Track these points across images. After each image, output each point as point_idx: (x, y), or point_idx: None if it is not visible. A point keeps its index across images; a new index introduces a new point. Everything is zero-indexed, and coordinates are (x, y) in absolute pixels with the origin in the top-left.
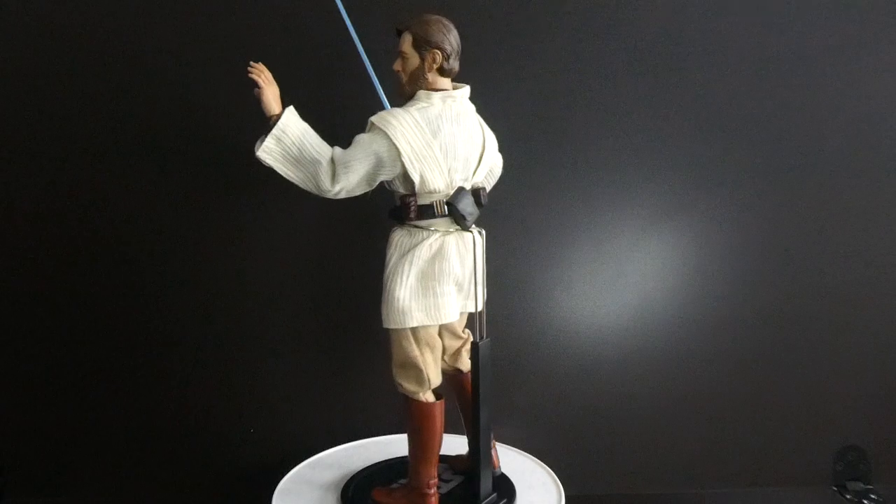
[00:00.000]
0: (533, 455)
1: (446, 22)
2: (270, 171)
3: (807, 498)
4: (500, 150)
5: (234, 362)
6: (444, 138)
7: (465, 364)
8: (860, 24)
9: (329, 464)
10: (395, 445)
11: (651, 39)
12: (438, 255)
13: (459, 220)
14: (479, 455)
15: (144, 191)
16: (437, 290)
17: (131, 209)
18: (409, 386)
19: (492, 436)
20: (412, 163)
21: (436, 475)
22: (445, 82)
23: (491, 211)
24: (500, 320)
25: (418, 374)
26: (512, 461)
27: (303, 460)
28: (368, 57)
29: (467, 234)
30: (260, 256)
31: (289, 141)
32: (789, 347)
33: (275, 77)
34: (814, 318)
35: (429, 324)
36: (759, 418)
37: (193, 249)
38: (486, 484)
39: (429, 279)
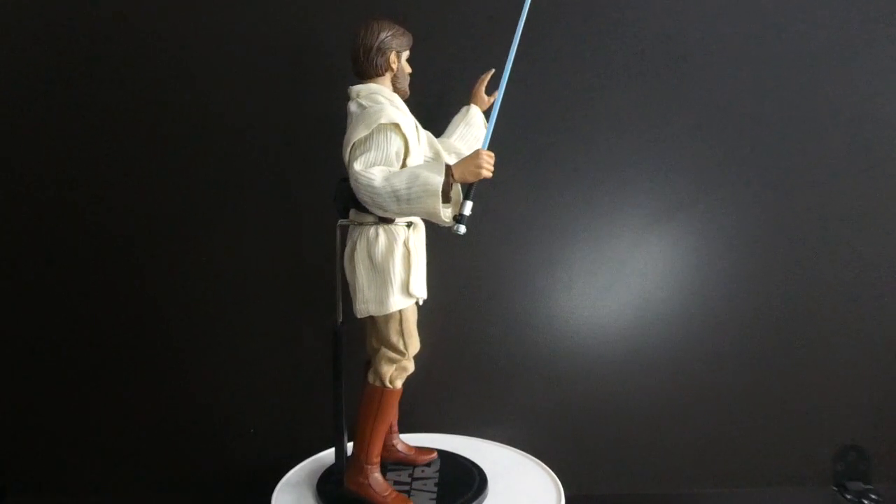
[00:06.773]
0: (533, 455)
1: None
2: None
3: (807, 498)
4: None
5: (234, 362)
6: None
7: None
8: (860, 24)
9: (329, 463)
10: None
11: (651, 39)
12: None
13: None
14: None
15: (143, 190)
16: None
17: (130, 209)
18: None
19: None
20: None
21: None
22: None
23: (491, 210)
24: (500, 320)
25: None
26: (512, 461)
27: (303, 460)
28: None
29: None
30: (261, 256)
31: None
32: (789, 347)
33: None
34: (814, 318)
35: None
36: (759, 418)
37: (194, 249)
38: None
39: None
